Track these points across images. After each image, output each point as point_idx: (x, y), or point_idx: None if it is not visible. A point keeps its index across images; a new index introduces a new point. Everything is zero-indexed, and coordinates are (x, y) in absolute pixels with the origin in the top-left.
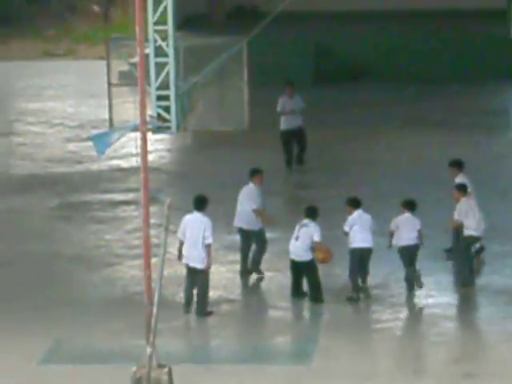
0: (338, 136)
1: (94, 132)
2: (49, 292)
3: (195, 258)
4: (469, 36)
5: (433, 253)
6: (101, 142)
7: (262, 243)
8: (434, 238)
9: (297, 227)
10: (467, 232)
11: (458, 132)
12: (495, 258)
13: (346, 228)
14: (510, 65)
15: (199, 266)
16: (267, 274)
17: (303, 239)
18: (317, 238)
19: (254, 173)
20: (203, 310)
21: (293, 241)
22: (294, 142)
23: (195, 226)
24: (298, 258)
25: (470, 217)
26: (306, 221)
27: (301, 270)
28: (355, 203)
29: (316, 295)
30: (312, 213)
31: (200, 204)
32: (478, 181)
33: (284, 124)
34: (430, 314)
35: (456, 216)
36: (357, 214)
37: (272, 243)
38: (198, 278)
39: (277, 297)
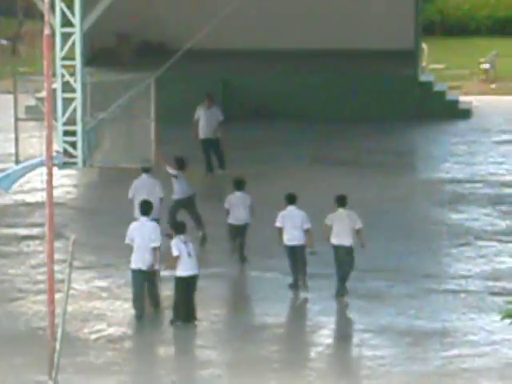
0: (246, 174)
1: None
2: None
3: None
4: (377, 76)
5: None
6: (7, 179)
7: None
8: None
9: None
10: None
11: (365, 172)
12: (400, 298)
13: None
14: (417, 106)
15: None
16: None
17: None
18: None
19: None
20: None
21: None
22: (211, 150)
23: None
24: None
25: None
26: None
27: None
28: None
29: None
30: None
31: (147, 209)
32: (384, 221)
33: (202, 133)
34: (333, 353)
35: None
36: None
37: None
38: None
39: (182, 333)
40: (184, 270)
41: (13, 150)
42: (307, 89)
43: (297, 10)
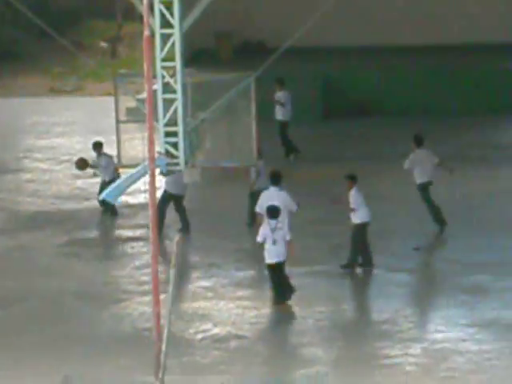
0: (346, 171)
1: (107, 191)
2: (58, 329)
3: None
4: (479, 70)
5: (443, 288)
6: (114, 191)
7: None
8: (444, 273)
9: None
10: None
11: (467, 166)
12: (505, 292)
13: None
14: None
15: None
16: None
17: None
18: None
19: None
20: None
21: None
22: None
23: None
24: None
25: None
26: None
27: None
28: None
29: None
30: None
31: (276, 179)
32: (487, 215)
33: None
34: (439, 349)
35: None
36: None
37: None
38: None
39: (286, 331)
40: (269, 257)
41: (115, 152)
42: (409, 84)
43: (398, 6)
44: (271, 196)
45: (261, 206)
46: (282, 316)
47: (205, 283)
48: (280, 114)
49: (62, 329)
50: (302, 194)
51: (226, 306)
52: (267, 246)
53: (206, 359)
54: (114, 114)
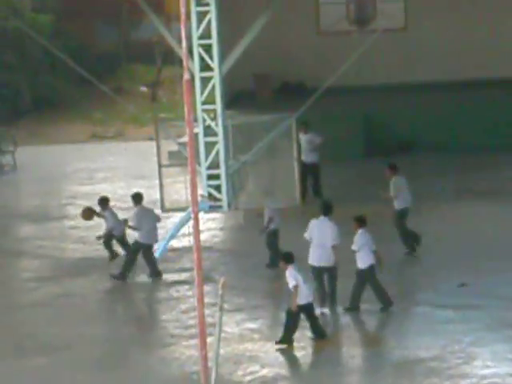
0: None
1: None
2: (106, 375)
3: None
4: None
5: (489, 323)
6: (164, 248)
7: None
8: (490, 308)
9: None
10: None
11: (509, 202)
12: None
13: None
14: None
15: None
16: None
17: None
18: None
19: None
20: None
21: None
22: (308, 175)
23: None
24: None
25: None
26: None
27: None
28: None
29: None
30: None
31: (327, 209)
32: None
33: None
34: None
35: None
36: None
37: None
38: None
39: (335, 371)
40: (301, 298)
41: (158, 197)
42: (448, 120)
43: (434, 42)
44: (320, 225)
45: (309, 234)
46: (330, 355)
47: (251, 325)
48: (310, 156)
49: (110, 375)
50: (343, 232)
51: (273, 348)
52: (363, 251)
53: None
54: (155, 158)
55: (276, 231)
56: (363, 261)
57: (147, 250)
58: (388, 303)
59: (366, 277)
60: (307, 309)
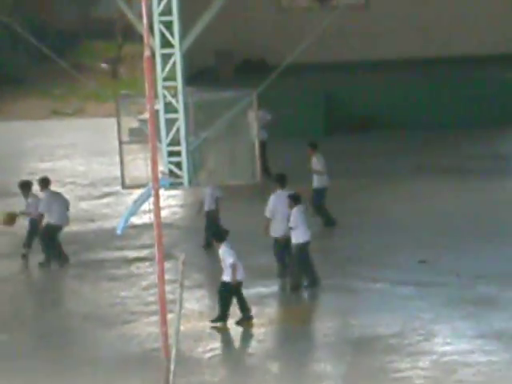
0: (350, 186)
1: (119, 227)
2: (65, 351)
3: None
4: (480, 81)
5: (449, 300)
6: (123, 225)
7: None
8: (450, 285)
9: None
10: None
11: (468, 178)
12: None
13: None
14: None
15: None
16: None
17: None
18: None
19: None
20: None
21: None
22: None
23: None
24: None
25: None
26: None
27: None
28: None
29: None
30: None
31: (283, 182)
32: (492, 226)
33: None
34: (448, 361)
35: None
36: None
37: None
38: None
39: (294, 348)
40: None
41: (118, 174)
42: (411, 98)
43: (398, 19)
44: (280, 198)
45: (271, 211)
46: (290, 332)
47: (211, 302)
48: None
49: (70, 351)
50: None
51: (233, 325)
52: (299, 228)
53: (215, 378)
54: (116, 135)
55: (210, 212)
56: (300, 236)
57: (57, 231)
58: (316, 284)
59: (302, 251)
60: (239, 286)
